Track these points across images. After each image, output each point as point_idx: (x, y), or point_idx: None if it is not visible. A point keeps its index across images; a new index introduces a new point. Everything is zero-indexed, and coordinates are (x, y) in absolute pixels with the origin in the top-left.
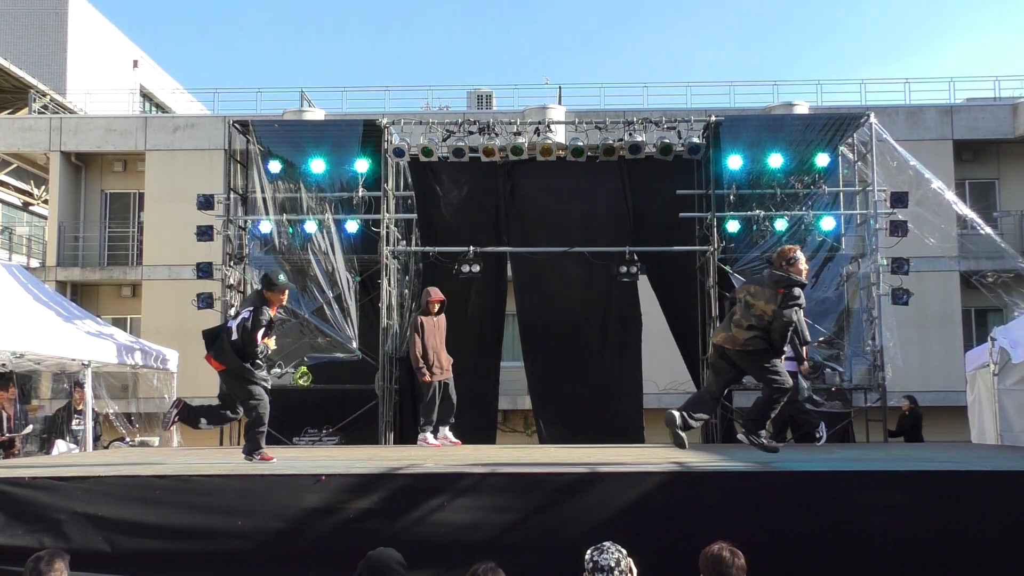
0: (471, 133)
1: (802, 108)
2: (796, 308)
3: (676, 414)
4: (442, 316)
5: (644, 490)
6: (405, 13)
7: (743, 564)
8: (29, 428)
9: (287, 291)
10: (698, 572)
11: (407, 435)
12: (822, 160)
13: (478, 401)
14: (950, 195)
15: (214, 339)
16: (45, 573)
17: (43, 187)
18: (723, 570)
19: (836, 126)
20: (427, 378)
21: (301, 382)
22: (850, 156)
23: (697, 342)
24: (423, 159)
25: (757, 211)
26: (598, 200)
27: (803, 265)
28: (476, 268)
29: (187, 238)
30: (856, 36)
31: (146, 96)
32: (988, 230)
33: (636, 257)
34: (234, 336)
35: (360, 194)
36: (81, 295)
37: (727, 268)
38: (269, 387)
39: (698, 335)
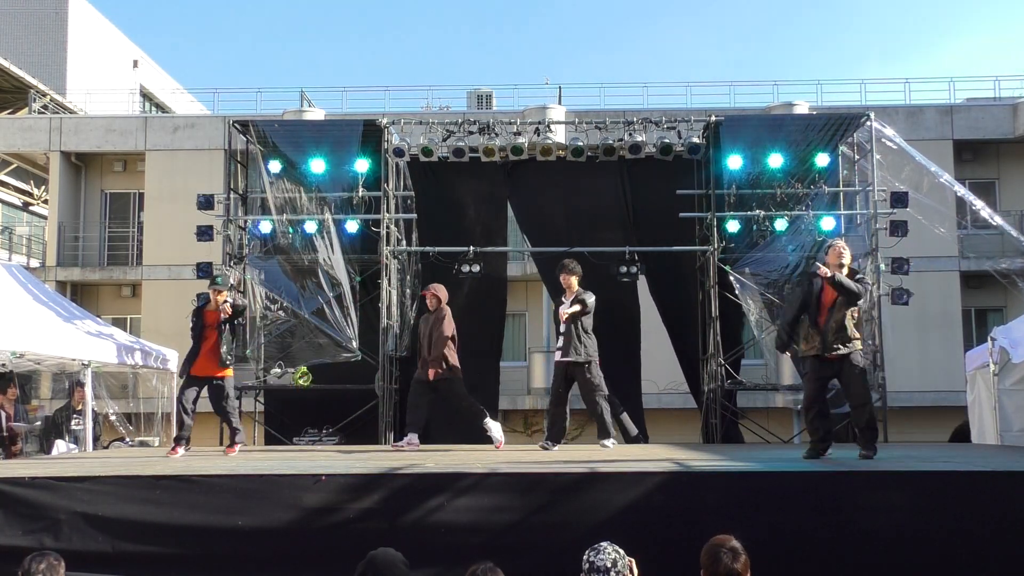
0: (471, 133)
1: (802, 108)
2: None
3: None
4: (435, 312)
5: (644, 490)
6: (405, 13)
7: (746, 561)
8: (38, 424)
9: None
10: (698, 571)
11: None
12: (822, 160)
13: (478, 401)
14: (959, 188)
15: None
16: None
17: (43, 187)
18: (721, 570)
19: (836, 126)
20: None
21: (301, 382)
22: (850, 156)
23: (696, 342)
24: (423, 159)
25: (757, 211)
26: (598, 200)
27: None
28: (476, 268)
29: (187, 238)
30: (856, 36)
31: (146, 96)
32: (999, 220)
33: (636, 257)
34: None
35: (360, 194)
36: (81, 295)
37: (727, 268)
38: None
39: (697, 335)
